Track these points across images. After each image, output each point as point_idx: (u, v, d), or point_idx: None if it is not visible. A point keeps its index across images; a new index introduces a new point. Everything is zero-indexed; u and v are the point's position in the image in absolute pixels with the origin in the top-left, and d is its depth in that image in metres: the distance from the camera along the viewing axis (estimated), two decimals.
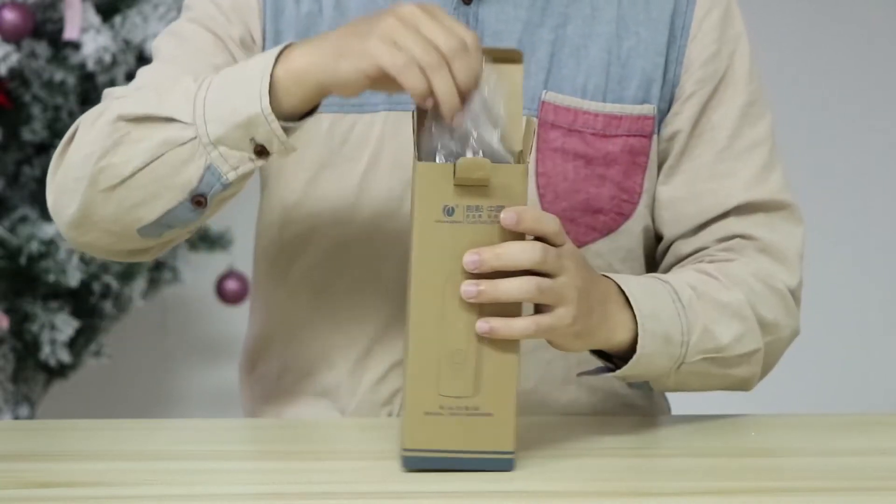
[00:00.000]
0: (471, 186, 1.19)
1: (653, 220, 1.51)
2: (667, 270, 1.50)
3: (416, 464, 1.22)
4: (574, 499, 1.18)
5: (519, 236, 1.21)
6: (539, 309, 1.24)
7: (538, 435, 1.35)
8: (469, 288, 1.20)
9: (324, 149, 1.45)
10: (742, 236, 1.47)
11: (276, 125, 1.26)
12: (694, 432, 1.38)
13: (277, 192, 1.49)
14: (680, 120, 1.48)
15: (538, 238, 1.22)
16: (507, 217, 1.20)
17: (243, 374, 1.58)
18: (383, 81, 1.22)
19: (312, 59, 1.26)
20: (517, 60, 1.23)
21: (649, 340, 1.32)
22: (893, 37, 3.39)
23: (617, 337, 1.31)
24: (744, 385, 1.44)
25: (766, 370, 1.45)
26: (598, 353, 1.36)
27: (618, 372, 1.33)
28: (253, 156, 1.28)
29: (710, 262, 1.46)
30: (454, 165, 1.19)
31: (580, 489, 1.19)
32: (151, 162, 1.30)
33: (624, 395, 1.51)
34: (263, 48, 1.46)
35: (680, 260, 1.49)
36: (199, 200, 1.31)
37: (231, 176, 1.29)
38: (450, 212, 1.20)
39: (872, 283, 3.41)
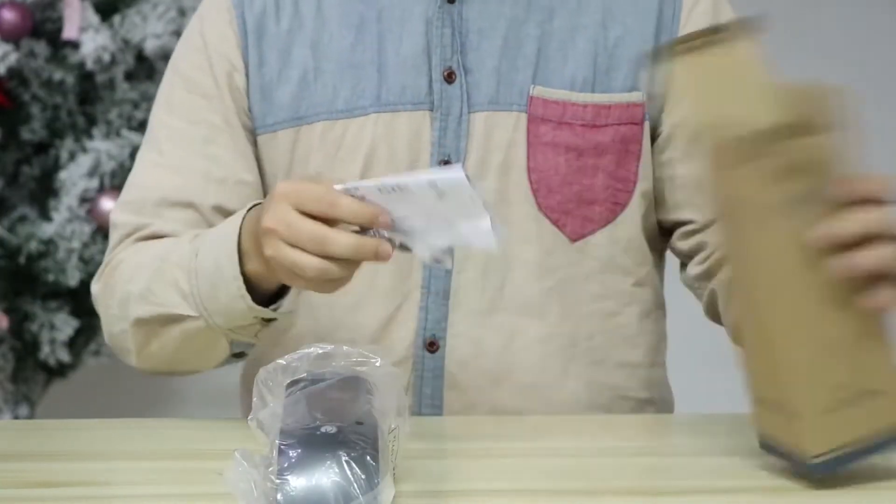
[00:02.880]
0: (786, 176, 1.13)
1: (666, 208, 1.51)
2: (689, 256, 1.50)
3: (828, 468, 1.18)
4: (574, 498, 1.18)
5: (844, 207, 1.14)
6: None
7: (537, 434, 1.36)
8: (835, 263, 1.13)
9: (319, 156, 1.45)
10: None
11: (267, 311, 1.35)
12: (694, 432, 1.38)
13: None
14: (683, 108, 1.47)
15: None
16: (839, 189, 1.14)
17: (244, 389, 1.58)
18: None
19: (261, 271, 1.32)
20: (734, 38, 1.18)
21: None
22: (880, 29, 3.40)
23: None
24: None
25: None
26: None
27: None
28: (262, 325, 1.37)
29: None
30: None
31: (580, 488, 1.19)
32: (183, 346, 1.40)
33: (622, 388, 1.51)
34: (247, 74, 1.48)
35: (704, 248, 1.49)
36: (238, 354, 1.46)
37: (254, 340, 1.40)
38: (780, 204, 1.14)
39: None
